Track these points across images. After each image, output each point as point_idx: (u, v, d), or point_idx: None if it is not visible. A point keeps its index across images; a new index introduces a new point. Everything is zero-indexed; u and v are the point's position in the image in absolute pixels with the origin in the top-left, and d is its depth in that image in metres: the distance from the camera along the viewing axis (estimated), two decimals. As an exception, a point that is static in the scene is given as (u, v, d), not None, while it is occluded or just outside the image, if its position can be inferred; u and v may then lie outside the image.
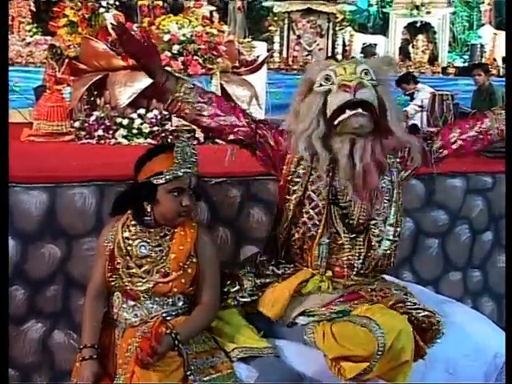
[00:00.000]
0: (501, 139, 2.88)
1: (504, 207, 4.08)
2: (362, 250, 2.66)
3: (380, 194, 2.65)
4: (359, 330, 2.41)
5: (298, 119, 2.66)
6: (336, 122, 2.56)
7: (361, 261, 2.67)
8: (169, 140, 5.48)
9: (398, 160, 2.72)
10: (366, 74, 2.62)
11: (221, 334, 2.56)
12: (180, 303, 2.52)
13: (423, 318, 2.54)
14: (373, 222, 2.65)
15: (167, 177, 2.46)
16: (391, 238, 2.67)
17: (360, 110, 2.52)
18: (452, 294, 3.82)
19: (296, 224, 2.69)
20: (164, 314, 2.47)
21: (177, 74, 2.98)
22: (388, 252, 2.69)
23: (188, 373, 2.34)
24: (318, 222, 2.65)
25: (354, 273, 2.68)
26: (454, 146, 2.83)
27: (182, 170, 2.46)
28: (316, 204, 2.66)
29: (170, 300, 2.51)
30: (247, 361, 2.49)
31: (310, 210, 2.67)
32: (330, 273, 2.69)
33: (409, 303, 2.58)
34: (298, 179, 2.69)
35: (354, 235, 2.66)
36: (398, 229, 2.71)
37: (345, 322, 2.49)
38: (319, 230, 2.65)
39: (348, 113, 2.53)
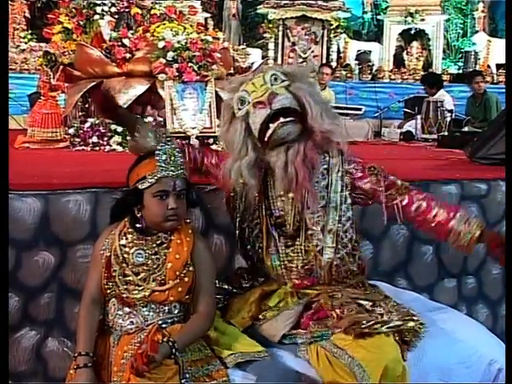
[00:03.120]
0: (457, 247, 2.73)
1: (498, 214, 4.12)
2: (305, 259, 2.68)
3: (312, 196, 2.62)
4: (347, 369, 2.40)
5: (228, 148, 2.71)
6: (266, 139, 2.57)
7: (310, 271, 2.69)
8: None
9: (352, 165, 2.71)
10: (275, 79, 2.61)
11: (217, 344, 2.56)
12: (176, 311, 2.52)
13: (388, 330, 2.49)
14: (309, 231, 2.65)
15: (149, 180, 2.45)
16: (330, 245, 2.64)
17: (282, 119, 2.54)
18: (447, 300, 3.82)
19: (244, 239, 2.79)
20: (160, 322, 2.47)
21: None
22: (336, 261, 2.66)
23: (183, 381, 2.34)
24: (259, 234, 2.72)
25: (310, 283, 2.71)
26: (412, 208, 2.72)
27: (164, 173, 2.45)
28: (254, 217, 2.73)
29: (166, 308, 2.50)
30: (243, 366, 2.48)
31: (250, 223, 2.75)
32: (290, 284, 2.72)
33: (365, 321, 2.50)
34: (236, 197, 2.76)
35: (290, 244, 2.69)
36: (343, 239, 2.67)
37: (333, 356, 2.47)
38: (264, 242, 2.71)
39: (272, 126, 2.54)
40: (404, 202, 2.70)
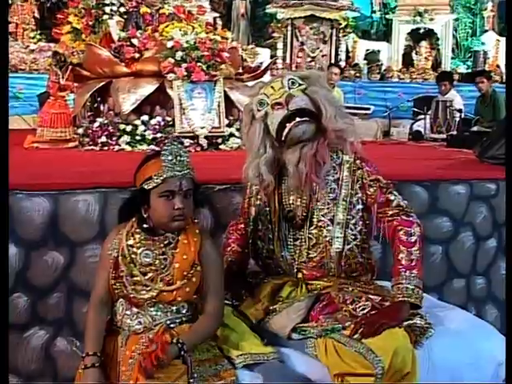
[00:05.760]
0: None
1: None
2: (313, 250, 2.74)
3: (320, 188, 2.73)
4: (357, 356, 2.41)
5: (248, 148, 2.84)
6: (283, 139, 2.69)
7: (320, 262, 2.74)
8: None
9: (361, 170, 2.77)
10: (292, 83, 2.75)
11: (226, 342, 2.57)
12: (184, 310, 2.51)
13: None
14: (320, 223, 2.73)
15: (155, 181, 2.44)
16: (339, 235, 2.71)
17: (298, 119, 2.66)
18: (456, 300, 3.81)
19: (256, 235, 2.87)
20: (168, 322, 2.46)
21: None
22: (346, 253, 2.72)
23: (191, 380, 2.33)
24: (269, 225, 2.82)
25: (320, 274, 2.76)
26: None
27: (170, 173, 2.44)
28: (266, 210, 2.84)
29: (174, 307, 2.50)
30: (251, 367, 2.48)
31: (262, 217, 2.85)
32: (300, 275, 2.79)
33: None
34: (252, 195, 2.91)
35: (299, 236, 2.77)
36: (352, 231, 2.73)
37: (342, 345, 2.48)
38: (275, 233, 2.80)
39: (288, 126, 2.66)
40: (388, 224, 2.74)
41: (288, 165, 2.70)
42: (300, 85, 2.75)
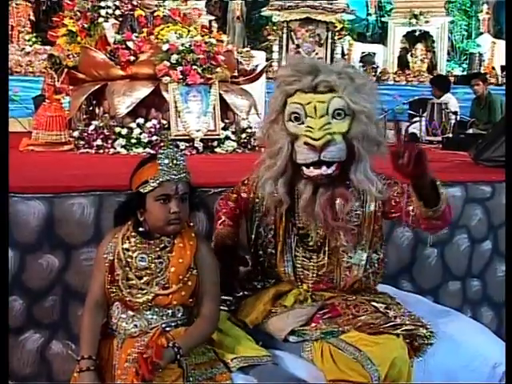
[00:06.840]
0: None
1: (503, 216, 4.11)
2: (324, 272, 2.67)
3: (346, 232, 2.58)
4: (353, 363, 2.40)
5: (269, 146, 2.65)
6: (301, 171, 2.55)
7: (328, 279, 2.69)
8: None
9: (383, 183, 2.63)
10: (338, 114, 2.50)
11: (221, 346, 2.55)
12: (179, 314, 2.51)
13: (401, 332, 2.50)
14: (342, 248, 2.62)
15: (151, 184, 2.44)
16: (359, 263, 2.64)
17: (324, 169, 2.49)
18: (451, 303, 3.81)
19: (258, 244, 2.78)
20: (163, 325, 2.46)
21: None
22: (362, 279, 2.67)
23: (186, 384, 2.34)
24: (272, 240, 2.72)
25: (326, 287, 2.70)
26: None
27: (166, 177, 2.43)
28: (271, 222, 2.72)
29: (170, 311, 2.49)
30: (246, 370, 2.47)
31: (266, 227, 2.74)
32: (305, 286, 2.71)
33: (381, 322, 2.51)
34: (258, 200, 2.77)
35: (310, 256, 2.68)
36: (372, 259, 2.67)
37: (340, 351, 2.47)
38: (279, 247, 2.70)
39: (312, 171, 2.50)
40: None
41: (300, 194, 2.59)
42: (345, 116, 2.51)
